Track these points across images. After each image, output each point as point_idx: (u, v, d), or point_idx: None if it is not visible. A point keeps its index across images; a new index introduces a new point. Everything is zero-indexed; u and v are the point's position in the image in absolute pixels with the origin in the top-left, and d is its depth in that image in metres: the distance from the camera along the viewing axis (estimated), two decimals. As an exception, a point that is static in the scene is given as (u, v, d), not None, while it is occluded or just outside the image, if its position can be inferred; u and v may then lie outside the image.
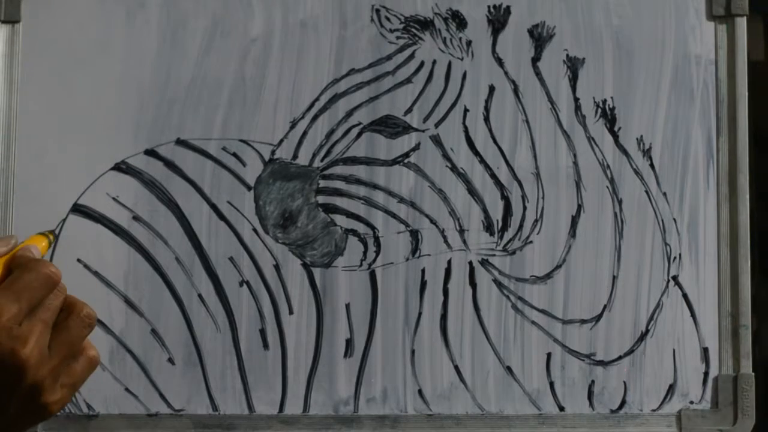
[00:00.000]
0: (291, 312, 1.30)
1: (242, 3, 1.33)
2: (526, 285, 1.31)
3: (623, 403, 1.31)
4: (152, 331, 1.29)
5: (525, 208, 1.32)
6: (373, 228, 1.31)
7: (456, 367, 1.31)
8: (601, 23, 1.34)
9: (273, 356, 1.30)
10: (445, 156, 1.32)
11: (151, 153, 1.31)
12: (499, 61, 1.33)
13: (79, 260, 1.29)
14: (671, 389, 1.31)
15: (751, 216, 1.34)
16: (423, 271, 1.31)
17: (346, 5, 1.33)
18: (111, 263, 1.29)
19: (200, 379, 1.29)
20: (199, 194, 1.31)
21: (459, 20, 1.33)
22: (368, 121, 1.31)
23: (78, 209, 1.30)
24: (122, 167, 1.31)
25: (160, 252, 1.30)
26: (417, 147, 1.32)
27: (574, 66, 1.33)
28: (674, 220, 1.32)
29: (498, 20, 1.33)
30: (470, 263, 1.31)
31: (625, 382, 1.31)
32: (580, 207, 1.32)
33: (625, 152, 1.33)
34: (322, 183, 1.30)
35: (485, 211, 1.31)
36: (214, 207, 1.31)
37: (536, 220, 1.32)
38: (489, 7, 1.33)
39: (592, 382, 1.31)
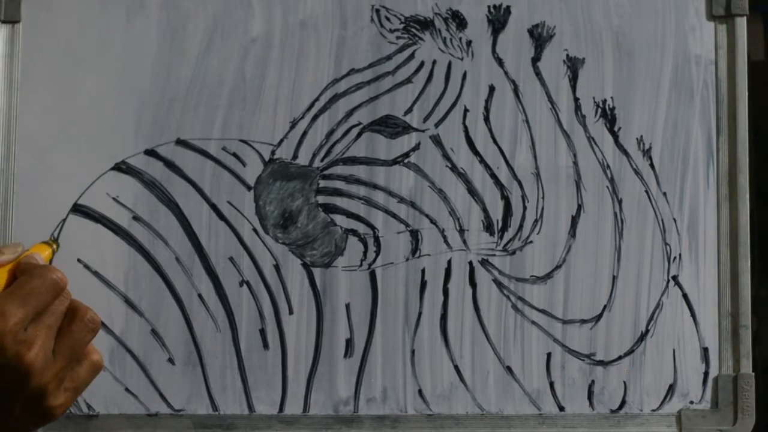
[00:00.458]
0: (291, 312, 1.30)
1: (242, 3, 1.33)
2: (526, 285, 1.31)
3: (623, 403, 1.31)
4: (152, 331, 1.29)
5: (525, 208, 1.32)
6: (373, 228, 1.31)
7: (456, 367, 1.31)
8: (601, 23, 1.34)
9: (273, 356, 1.30)
10: (445, 156, 1.32)
11: (151, 153, 1.31)
12: (499, 61, 1.33)
13: (79, 260, 1.29)
14: (671, 389, 1.31)
15: (751, 216, 1.34)
16: (423, 271, 1.31)
17: (346, 5, 1.33)
18: (111, 263, 1.29)
19: (200, 379, 1.29)
20: (199, 194, 1.31)
21: (459, 20, 1.33)
22: (368, 121, 1.31)
23: (78, 209, 1.30)
24: (122, 167, 1.31)
25: (160, 252, 1.30)
26: (417, 147, 1.32)
27: (574, 66, 1.33)
28: (674, 220, 1.32)
29: (498, 20, 1.33)
30: (470, 263, 1.31)
31: (625, 382, 1.31)
32: (580, 207, 1.32)
33: (625, 152, 1.33)
34: (322, 183, 1.30)
35: (485, 211, 1.31)
36: (214, 207, 1.31)
37: (536, 220, 1.32)
38: (489, 7, 1.33)
39: (592, 382, 1.31)
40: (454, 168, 1.32)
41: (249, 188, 1.31)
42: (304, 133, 1.31)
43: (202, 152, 1.31)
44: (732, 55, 1.34)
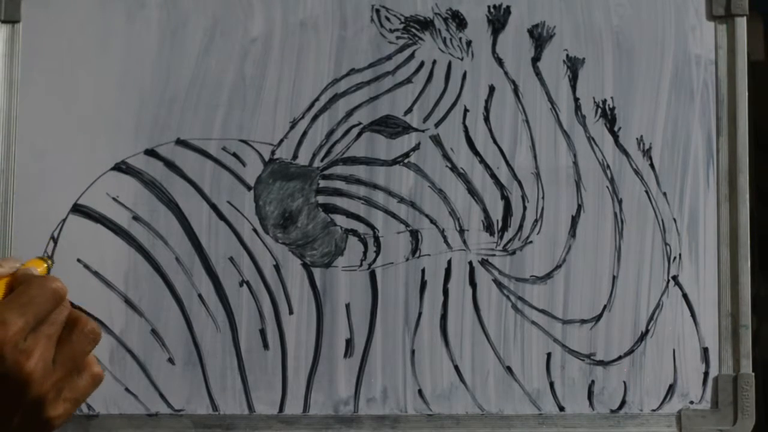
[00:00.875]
0: (291, 312, 1.30)
1: (242, 3, 1.33)
2: (526, 285, 1.31)
3: (623, 403, 1.31)
4: (152, 331, 1.29)
5: (525, 208, 1.32)
6: (373, 228, 1.31)
7: (456, 367, 1.31)
8: (601, 23, 1.34)
9: (273, 356, 1.30)
10: (445, 156, 1.32)
11: (151, 153, 1.31)
12: (499, 61, 1.33)
13: (79, 260, 1.29)
14: (671, 389, 1.31)
15: (751, 216, 1.34)
16: (423, 271, 1.31)
17: (346, 5, 1.33)
18: (111, 263, 1.29)
19: (200, 379, 1.29)
20: (199, 194, 1.31)
21: (459, 20, 1.33)
22: (368, 121, 1.31)
23: (78, 209, 1.30)
24: (122, 167, 1.31)
25: (160, 252, 1.30)
26: (417, 147, 1.32)
27: (574, 66, 1.33)
28: (674, 220, 1.32)
29: (498, 20, 1.33)
30: (470, 263, 1.31)
31: (625, 382, 1.31)
32: (580, 207, 1.32)
33: (625, 152, 1.33)
34: (322, 183, 1.30)
35: (485, 211, 1.31)
36: (214, 207, 1.31)
37: (536, 220, 1.32)
38: (489, 7, 1.33)
39: (592, 382, 1.31)
40: (454, 168, 1.32)
41: (249, 188, 1.31)
42: (304, 133, 1.31)
43: (202, 152, 1.31)
44: (732, 55, 1.33)
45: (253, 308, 1.30)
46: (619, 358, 1.31)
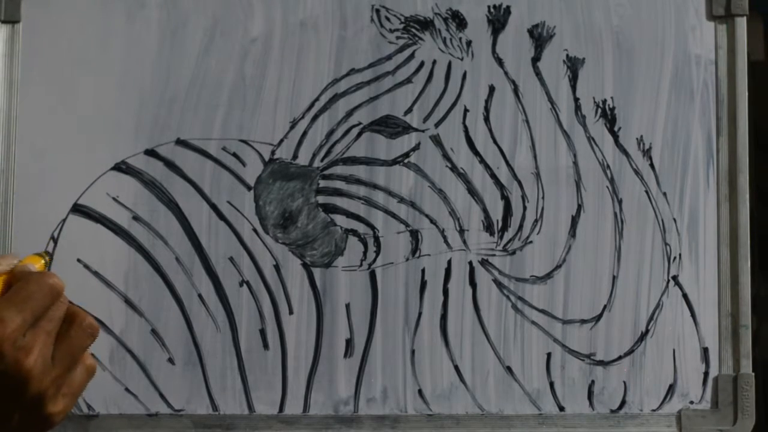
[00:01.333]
0: (291, 312, 1.30)
1: (242, 3, 1.33)
2: (526, 285, 1.31)
3: (623, 403, 1.31)
4: (152, 331, 1.29)
5: (525, 208, 1.32)
6: (373, 228, 1.31)
7: (456, 367, 1.31)
8: (601, 23, 1.34)
9: (273, 356, 1.30)
10: (445, 156, 1.32)
11: (151, 153, 1.31)
12: (499, 61, 1.33)
13: (79, 260, 1.29)
14: (671, 389, 1.31)
15: (751, 216, 1.34)
16: (423, 271, 1.31)
17: (346, 5, 1.33)
18: (111, 263, 1.29)
19: (200, 379, 1.29)
20: (199, 194, 1.31)
21: (459, 20, 1.33)
22: (368, 121, 1.31)
23: (78, 209, 1.30)
24: (122, 167, 1.31)
25: (160, 252, 1.30)
26: (417, 147, 1.32)
27: (574, 66, 1.33)
28: (674, 220, 1.32)
29: (498, 20, 1.33)
30: (470, 263, 1.31)
31: (625, 382, 1.31)
32: (580, 207, 1.32)
33: (625, 152, 1.33)
34: (322, 183, 1.30)
35: (485, 211, 1.31)
36: (214, 207, 1.31)
37: (536, 220, 1.32)
38: (489, 7, 1.33)
39: (592, 382, 1.31)
40: (454, 168, 1.32)
41: (249, 188, 1.31)
42: (304, 133, 1.31)
43: (202, 152, 1.31)
44: (732, 55, 1.33)
45: (253, 308, 1.30)
46: (619, 358, 1.31)
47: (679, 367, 1.31)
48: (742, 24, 1.34)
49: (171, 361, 1.29)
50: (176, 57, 1.32)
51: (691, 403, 1.31)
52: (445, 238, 1.31)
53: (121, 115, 1.31)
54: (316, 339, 1.30)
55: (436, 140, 1.32)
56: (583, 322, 1.31)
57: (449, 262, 1.31)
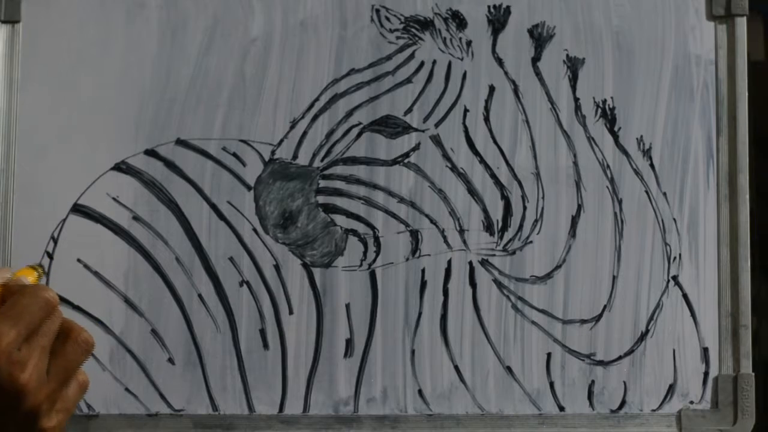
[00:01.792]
0: (291, 312, 1.30)
1: (242, 3, 1.33)
2: (526, 285, 1.31)
3: (623, 403, 1.31)
4: (152, 331, 1.29)
5: (525, 208, 1.32)
6: (373, 228, 1.31)
7: (456, 367, 1.30)
8: (601, 23, 1.34)
9: (273, 356, 1.30)
10: (445, 156, 1.32)
11: (151, 153, 1.31)
12: (499, 61, 1.33)
13: (79, 260, 1.29)
14: (671, 389, 1.31)
15: (751, 216, 1.34)
16: (423, 271, 1.31)
17: (346, 5, 1.33)
18: (111, 263, 1.29)
19: (200, 379, 1.29)
20: (199, 194, 1.31)
21: (459, 20, 1.33)
22: (368, 121, 1.31)
23: (78, 209, 1.30)
24: (122, 167, 1.31)
25: (160, 252, 1.30)
26: (417, 147, 1.32)
27: (574, 66, 1.33)
28: (674, 220, 1.32)
29: (498, 20, 1.33)
30: (470, 263, 1.31)
31: (625, 382, 1.31)
32: (580, 207, 1.32)
33: (625, 152, 1.33)
34: (322, 183, 1.30)
35: (485, 211, 1.31)
36: (214, 207, 1.31)
37: (536, 220, 1.32)
38: (489, 7, 1.33)
39: (592, 382, 1.31)
40: (454, 168, 1.32)
41: (249, 188, 1.31)
42: (304, 133, 1.31)
43: (202, 152, 1.31)
44: (732, 55, 1.33)
45: (253, 308, 1.30)
46: (619, 358, 1.31)
47: (679, 367, 1.31)
48: (742, 24, 1.34)
49: (171, 361, 1.29)
50: (176, 57, 1.32)
51: (691, 403, 1.31)
52: (445, 238, 1.31)
53: (121, 115, 1.31)
54: (316, 339, 1.30)
55: (436, 140, 1.32)
56: (583, 322, 1.31)
57: (449, 262, 1.31)
